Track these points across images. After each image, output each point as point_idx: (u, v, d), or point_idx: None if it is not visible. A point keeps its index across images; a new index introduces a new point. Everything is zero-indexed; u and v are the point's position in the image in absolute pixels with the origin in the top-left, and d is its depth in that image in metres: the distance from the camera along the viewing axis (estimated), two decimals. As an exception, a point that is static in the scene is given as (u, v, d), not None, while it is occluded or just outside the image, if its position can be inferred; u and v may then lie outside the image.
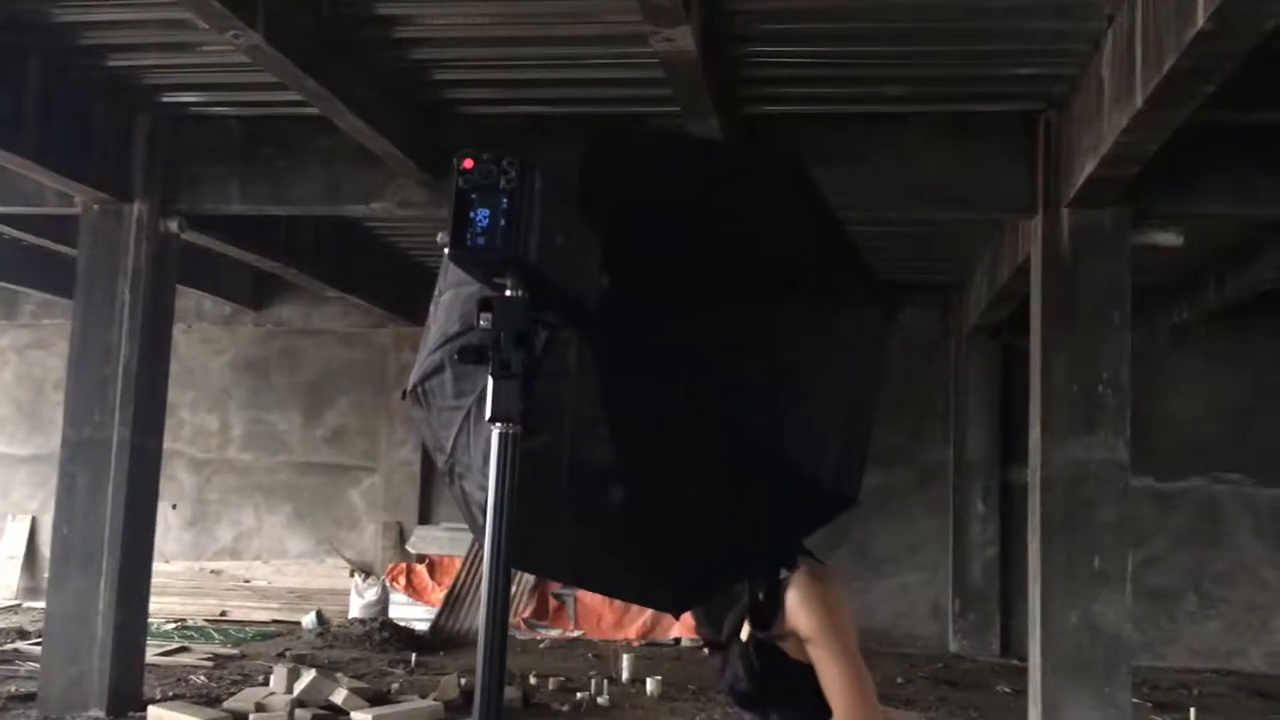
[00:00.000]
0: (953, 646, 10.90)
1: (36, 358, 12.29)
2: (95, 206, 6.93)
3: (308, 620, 10.92)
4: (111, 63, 6.21)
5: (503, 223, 1.51)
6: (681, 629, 10.10)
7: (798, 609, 2.09)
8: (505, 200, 1.51)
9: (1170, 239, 6.15)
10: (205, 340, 12.11)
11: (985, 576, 10.92)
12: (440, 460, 2.12)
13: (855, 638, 2.13)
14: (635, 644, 10.32)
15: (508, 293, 1.59)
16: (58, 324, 11.45)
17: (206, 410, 12.09)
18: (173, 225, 6.98)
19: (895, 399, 10.31)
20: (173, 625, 10.44)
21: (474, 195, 1.52)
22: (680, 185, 2.00)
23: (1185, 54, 3.98)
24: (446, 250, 1.54)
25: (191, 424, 12.04)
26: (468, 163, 1.53)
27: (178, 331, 10.94)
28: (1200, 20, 3.75)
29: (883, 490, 10.46)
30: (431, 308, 2.05)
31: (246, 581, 11.59)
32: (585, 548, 2.04)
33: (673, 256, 1.89)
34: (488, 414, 1.57)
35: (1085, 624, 5.98)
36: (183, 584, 11.33)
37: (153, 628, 8.80)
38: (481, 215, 1.51)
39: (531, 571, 2.23)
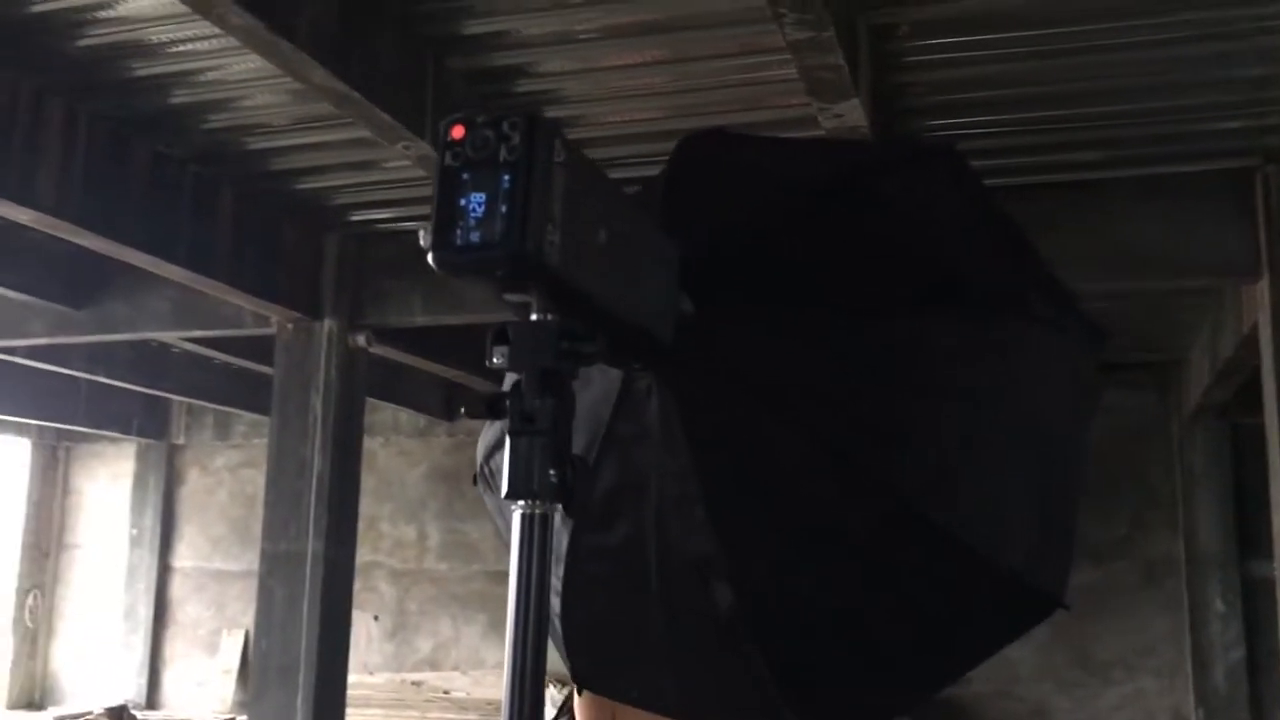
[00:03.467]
0: (1198, 760, 9.89)
1: (248, 476, 12.82)
2: (289, 325, 7.16)
3: (506, 732, 10.79)
4: (300, 186, 6.44)
5: (503, 209, 1.08)
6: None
7: None
8: (507, 177, 1.09)
9: None
10: (402, 453, 12.40)
11: (1231, 683, 9.89)
12: None
13: None
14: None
15: (533, 316, 1.18)
16: (265, 442, 11.94)
17: (404, 521, 12.32)
18: (360, 339, 7.15)
19: (1111, 485, 9.61)
20: (375, 738, 10.50)
21: (466, 175, 1.11)
22: (798, 179, 1.54)
23: None
24: (429, 255, 1.14)
25: (391, 535, 12.28)
26: (457, 130, 1.14)
27: (376, 445, 11.25)
28: None
29: (1104, 587, 9.69)
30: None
31: (446, 693, 11.59)
32: (689, 666, 1.56)
33: (788, 266, 1.43)
34: (503, 488, 1.13)
35: (1357, 738, 5.23)
36: (385, 696, 11.42)
37: (354, 741, 8.83)
38: (475, 201, 1.09)
39: (622, 699, 1.59)
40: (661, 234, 1.33)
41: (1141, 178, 5.97)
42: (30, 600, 13.11)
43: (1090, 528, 9.50)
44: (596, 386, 1.43)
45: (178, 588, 12.98)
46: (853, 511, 1.42)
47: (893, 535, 1.42)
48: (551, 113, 5.40)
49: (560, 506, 1.15)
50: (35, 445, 13.25)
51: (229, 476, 13.03)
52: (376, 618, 11.95)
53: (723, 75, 5.04)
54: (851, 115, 4.33)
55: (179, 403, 12.46)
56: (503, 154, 1.11)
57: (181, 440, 13.06)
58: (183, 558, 13.03)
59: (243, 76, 5.04)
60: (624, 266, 1.25)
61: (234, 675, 12.33)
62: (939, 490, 1.42)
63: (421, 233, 1.16)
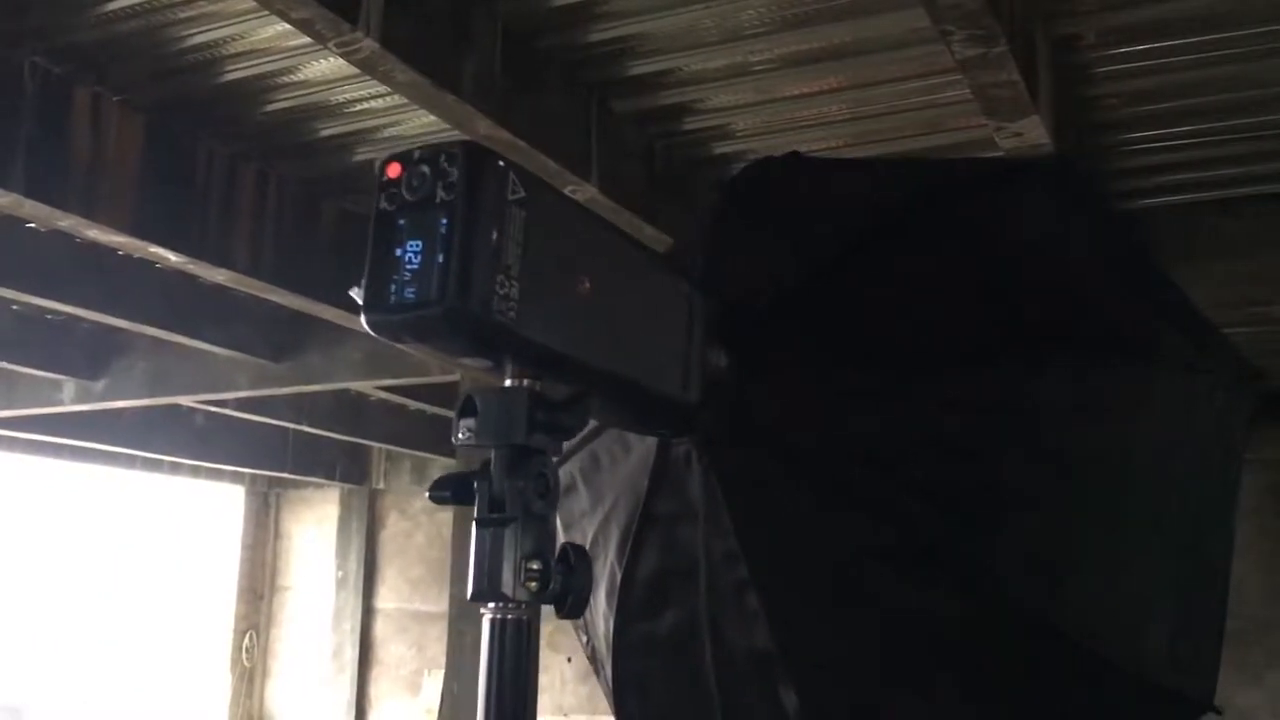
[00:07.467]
0: None
1: (444, 519, 13.11)
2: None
3: (701, 778, 10.66)
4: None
5: (440, 258, 0.92)
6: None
7: None
8: (444, 220, 0.93)
9: None
10: (592, 494, 12.49)
11: None
12: (582, 640, 1.53)
13: None
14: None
15: (507, 382, 1.04)
16: (460, 486, 12.25)
17: (596, 563, 12.39)
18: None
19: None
20: (571, 781, 10.51)
21: (402, 221, 0.95)
22: (867, 205, 1.30)
23: None
24: (361, 316, 0.98)
25: (583, 577, 12.36)
26: (392, 169, 1.00)
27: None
28: None
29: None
30: None
31: (640, 736, 11.55)
32: None
33: (852, 309, 1.20)
34: (469, 588, 1.00)
35: None
36: (580, 738, 11.44)
37: (548, 785, 8.86)
38: (411, 250, 0.94)
39: None
40: (677, 277, 1.15)
41: (1371, 183, 5.47)
42: (246, 641, 13.76)
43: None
44: (635, 455, 1.27)
45: (381, 628, 13.39)
46: (938, 606, 1.16)
47: (988, 634, 1.16)
48: (720, 149, 5.32)
49: (552, 608, 1.01)
50: (248, 492, 13.97)
51: (426, 520, 13.39)
52: (570, 659, 11.99)
53: (899, 99, 4.86)
54: (1032, 133, 4.08)
55: (378, 449, 12.92)
56: (439, 194, 0.95)
57: (381, 485, 13.52)
58: (385, 599, 13.45)
59: (419, 131, 5.16)
60: (620, 319, 1.08)
61: (435, 715, 12.59)
62: (1045, 579, 1.16)
63: (354, 290, 1.02)
